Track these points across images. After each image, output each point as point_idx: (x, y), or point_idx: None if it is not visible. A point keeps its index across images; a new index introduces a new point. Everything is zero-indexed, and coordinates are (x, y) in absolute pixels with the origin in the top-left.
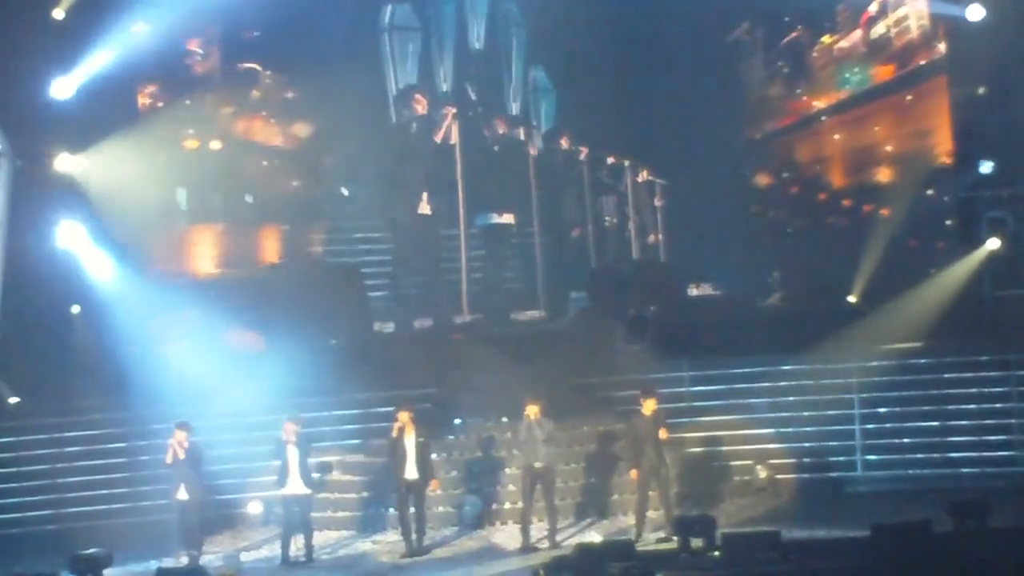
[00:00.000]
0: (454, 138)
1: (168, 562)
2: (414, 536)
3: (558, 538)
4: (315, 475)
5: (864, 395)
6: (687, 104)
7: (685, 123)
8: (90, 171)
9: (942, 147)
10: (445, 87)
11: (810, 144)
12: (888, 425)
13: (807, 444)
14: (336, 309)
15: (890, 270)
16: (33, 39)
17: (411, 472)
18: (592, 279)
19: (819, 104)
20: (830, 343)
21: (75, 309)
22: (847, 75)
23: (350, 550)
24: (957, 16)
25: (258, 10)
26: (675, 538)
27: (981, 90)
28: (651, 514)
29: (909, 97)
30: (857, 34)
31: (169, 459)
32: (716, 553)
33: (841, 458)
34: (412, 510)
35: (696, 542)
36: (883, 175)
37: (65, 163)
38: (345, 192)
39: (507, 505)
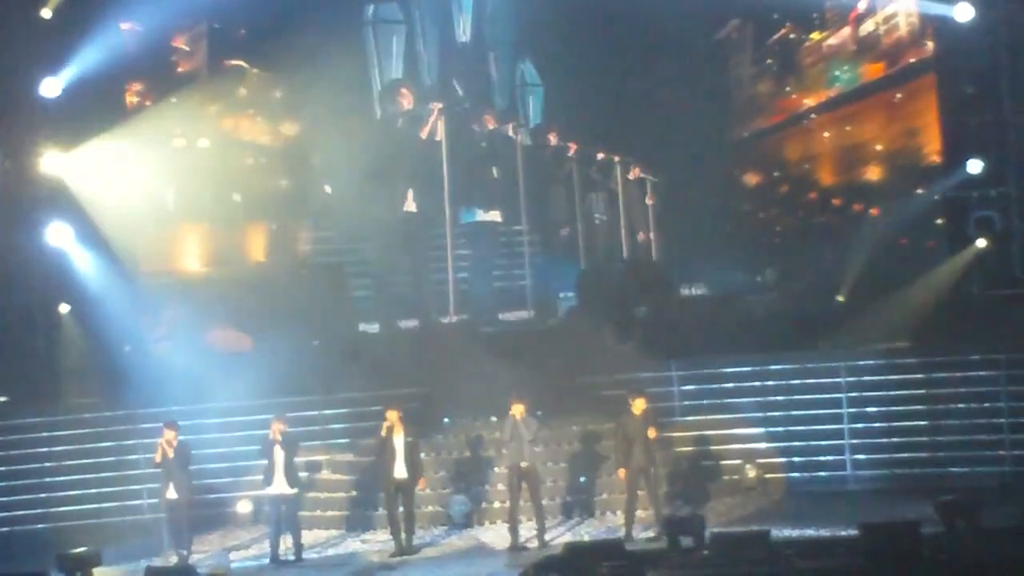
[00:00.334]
0: (440, 134)
1: (157, 561)
2: (403, 535)
3: (547, 537)
4: (302, 475)
5: (853, 394)
6: (676, 101)
7: (674, 120)
8: (77, 170)
9: (932, 146)
10: (430, 82)
11: (799, 142)
12: (877, 424)
13: (796, 443)
14: (320, 308)
15: (879, 269)
16: (20, 38)
17: (400, 471)
18: (581, 279)
19: (808, 102)
20: (819, 342)
21: (63, 308)
22: (837, 73)
23: (339, 549)
24: (945, 16)
25: (244, 6)
26: (664, 537)
27: (970, 90)
28: (640, 513)
29: (899, 95)
30: (846, 31)
31: (158, 458)
32: (705, 552)
33: (830, 457)
34: (401, 509)
35: (685, 541)
36: (873, 174)
37: (52, 162)
38: (328, 189)
39: (496, 504)
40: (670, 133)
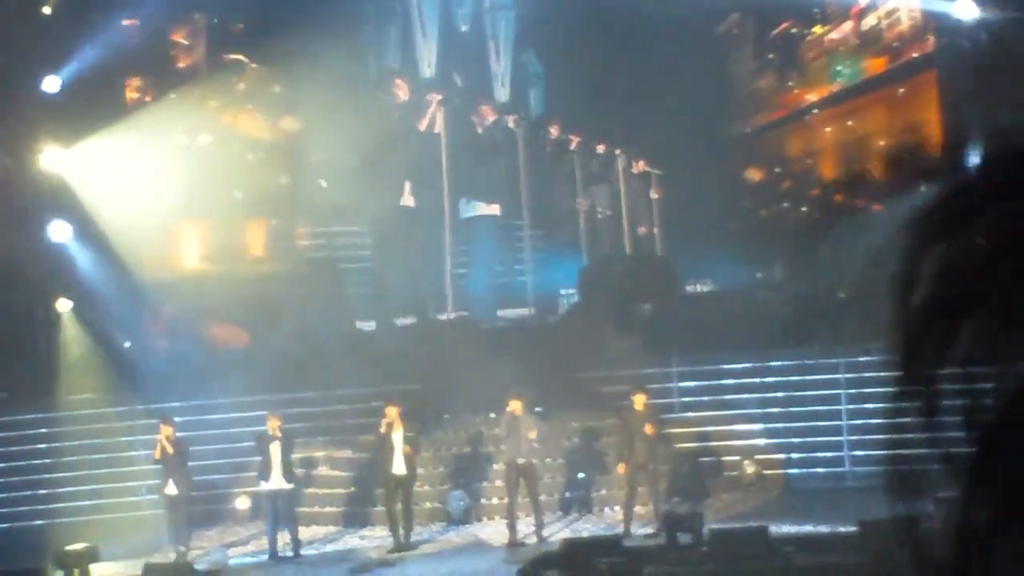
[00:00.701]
0: (439, 126)
1: (156, 557)
2: (401, 531)
3: (545, 533)
4: (298, 471)
5: (851, 391)
6: (678, 95)
7: (676, 114)
8: (78, 167)
9: (934, 141)
10: (429, 72)
11: (801, 138)
12: (875, 421)
13: (795, 440)
14: (317, 305)
15: (882, 265)
16: (20, 35)
17: (399, 467)
18: (584, 275)
19: (811, 97)
20: (819, 338)
21: (63, 305)
22: (839, 68)
23: (338, 545)
24: (946, 12)
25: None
26: (663, 533)
27: (970, 86)
28: (639, 509)
29: (902, 90)
30: (848, 26)
31: (157, 455)
32: (704, 548)
33: (829, 454)
34: (400, 505)
35: (684, 537)
36: (875, 169)
37: (53, 159)
38: (323, 183)
39: (494, 500)
40: (672, 127)
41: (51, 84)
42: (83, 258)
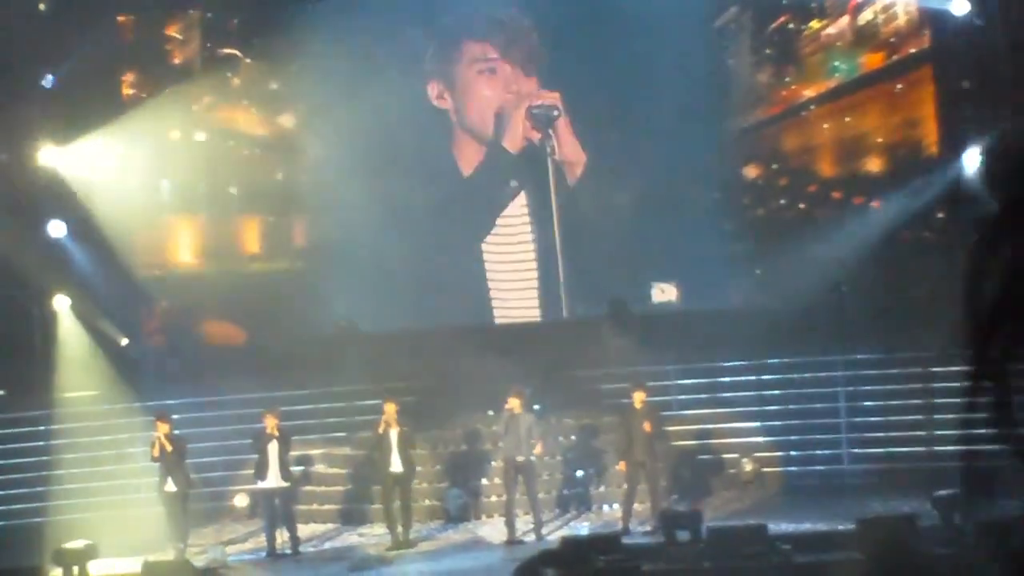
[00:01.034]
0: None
1: (154, 555)
2: (400, 529)
3: (544, 531)
4: (295, 468)
5: (850, 388)
6: (673, 90)
7: (670, 109)
8: (74, 163)
9: (932, 137)
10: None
11: (799, 134)
12: (874, 419)
13: (793, 438)
14: (312, 302)
15: (880, 263)
16: (17, 32)
17: (396, 465)
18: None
19: (808, 93)
20: (816, 336)
21: (60, 301)
22: (836, 63)
23: (336, 543)
24: (942, 9)
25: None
26: (661, 531)
27: (966, 83)
28: (637, 507)
29: (899, 86)
30: (845, 20)
31: (155, 452)
32: (702, 546)
33: (827, 451)
34: (397, 503)
35: (682, 535)
36: (873, 165)
37: (49, 155)
38: (320, 179)
39: (492, 498)
40: (666, 122)
41: (47, 81)
42: (80, 255)
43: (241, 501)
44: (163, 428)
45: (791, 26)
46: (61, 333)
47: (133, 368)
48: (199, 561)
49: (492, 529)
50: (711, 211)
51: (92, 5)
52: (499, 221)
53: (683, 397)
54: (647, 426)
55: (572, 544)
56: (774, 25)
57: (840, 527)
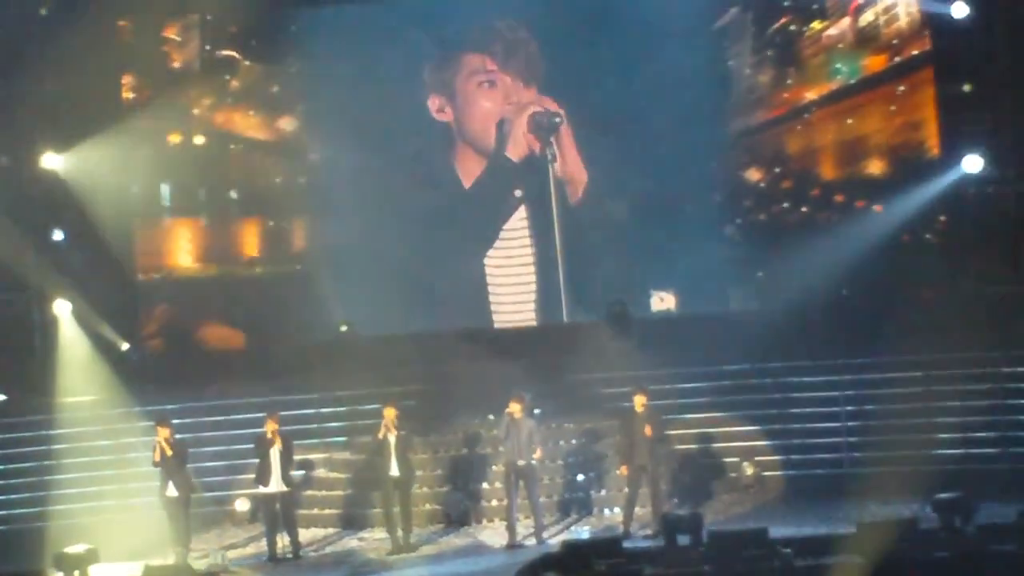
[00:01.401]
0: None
1: (155, 559)
2: (400, 533)
3: (544, 535)
4: (296, 472)
5: (850, 392)
6: (673, 93)
7: (670, 112)
8: (74, 167)
9: (933, 140)
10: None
11: (801, 136)
12: (875, 422)
13: (794, 441)
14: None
15: (880, 266)
16: (18, 36)
17: (396, 469)
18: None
19: (810, 95)
20: (817, 340)
21: (60, 306)
22: (838, 65)
23: (337, 547)
24: (943, 12)
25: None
26: (662, 535)
27: (966, 87)
28: (638, 511)
29: (901, 88)
30: (846, 22)
31: (156, 457)
32: (703, 550)
33: (828, 455)
34: (398, 507)
35: (683, 539)
36: (875, 168)
37: (50, 160)
38: (321, 182)
39: (493, 503)
40: (667, 126)
41: (48, 86)
42: (80, 259)
43: (242, 505)
44: (163, 433)
45: (792, 28)
46: (61, 337)
47: (134, 372)
48: (200, 565)
49: (493, 533)
50: (712, 215)
51: (92, 9)
52: (503, 229)
53: (684, 401)
54: (648, 430)
55: (573, 548)
56: (775, 26)
57: (841, 531)
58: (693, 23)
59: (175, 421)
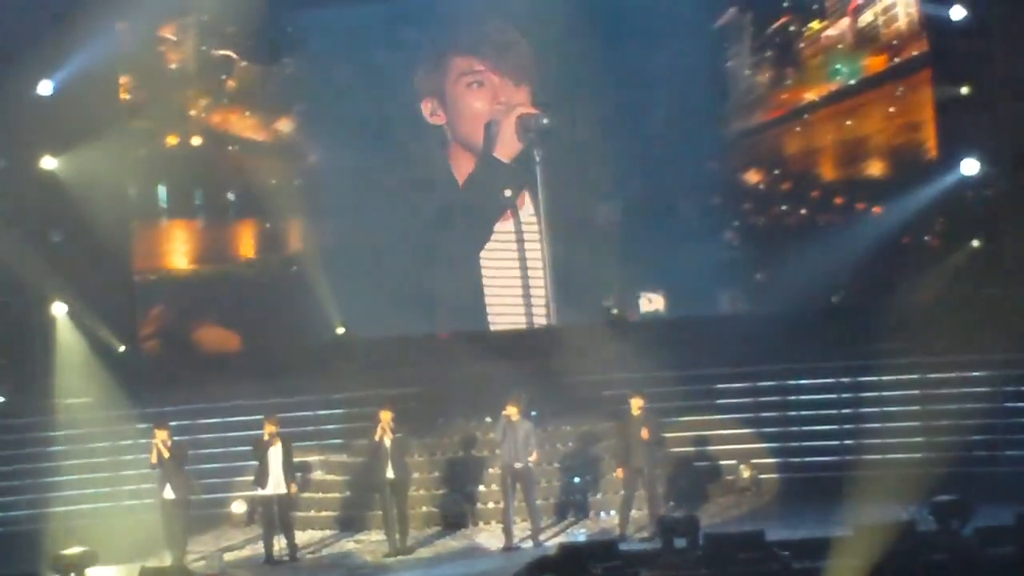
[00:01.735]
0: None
1: (152, 561)
2: (397, 536)
3: (541, 538)
4: (296, 474)
5: (848, 395)
6: (670, 93)
7: (668, 113)
8: (73, 169)
9: (932, 141)
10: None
11: (800, 138)
12: (872, 425)
13: (791, 444)
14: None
15: (877, 268)
16: (15, 38)
17: (391, 472)
18: None
19: (809, 96)
20: (815, 343)
21: (58, 308)
22: (838, 66)
23: (333, 549)
24: (941, 15)
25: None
26: (658, 538)
27: (964, 89)
28: (635, 514)
29: (901, 89)
30: (845, 22)
31: (154, 459)
32: (699, 553)
33: (824, 458)
34: (395, 510)
35: (679, 542)
36: (875, 169)
37: (49, 162)
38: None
39: (490, 505)
40: (663, 127)
41: (47, 87)
42: (78, 261)
43: (239, 508)
44: (161, 434)
45: (791, 28)
46: (59, 339)
47: (131, 374)
48: (197, 568)
49: (489, 536)
50: (706, 217)
51: (91, 11)
52: (494, 229)
53: (680, 403)
54: (645, 433)
55: (569, 551)
56: (774, 26)
57: (838, 533)
58: (691, 23)
59: (172, 423)
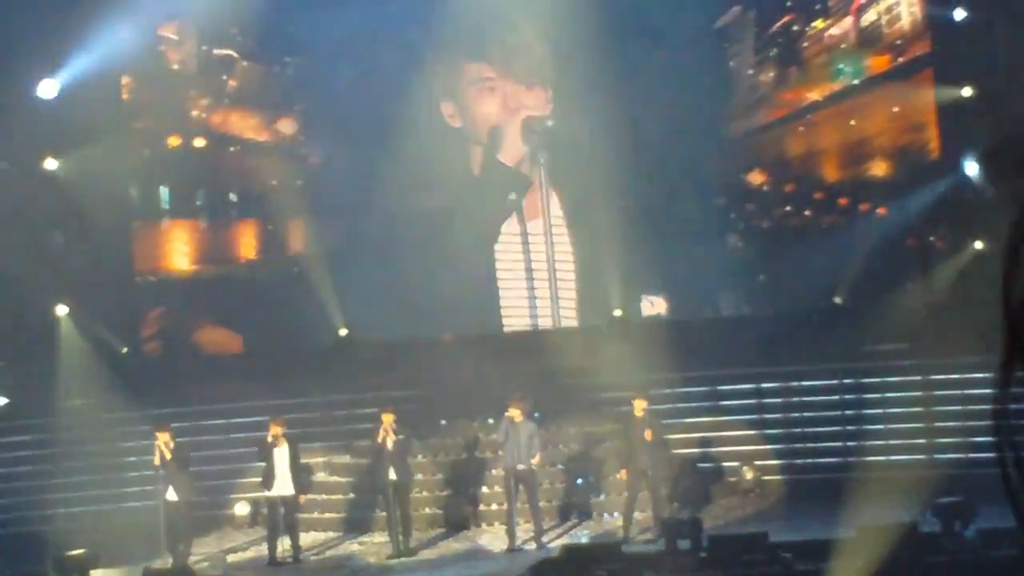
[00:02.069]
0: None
1: (155, 563)
2: (400, 537)
3: (544, 539)
4: (300, 476)
5: (850, 396)
6: (673, 92)
7: (670, 113)
8: (74, 170)
9: (935, 142)
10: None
11: (803, 138)
12: (875, 426)
13: (794, 445)
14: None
15: (880, 270)
16: (17, 39)
17: (396, 473)
18: None
19: (812, 96)
20: (817, 344)
21: (60, 310)
22: (841, 65)
23: (337, 551)
24: (942, 15)
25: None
26: (662, 539)
27: (966, 91)
28: (638, 515)
29: (903, 89)
30: (848, 21)
31: (157, 461)
32: (703, 555)
33: (828, 459)
34: (398, 511)
35: (683, 543)
36: (879, 170)
37: (51, 164)
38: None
39: (493, 507)
40: (667, 128)
41: (49, 88)
42: (80, 263)
43: (242, 509)
44: (163, 436)
45: (795, 27)
46: (61, 341)
47: (134, 376)
48: (201, 569)
49: (493, 537)
50: (709, 219)
51: (92, 13)
52: (500, 232)
53: (684, 405)
54: (648, 434)
55: (573, 552)
56: (777, 25)
57: (841, 535)
58: (693, 22)
59: (174, 425)
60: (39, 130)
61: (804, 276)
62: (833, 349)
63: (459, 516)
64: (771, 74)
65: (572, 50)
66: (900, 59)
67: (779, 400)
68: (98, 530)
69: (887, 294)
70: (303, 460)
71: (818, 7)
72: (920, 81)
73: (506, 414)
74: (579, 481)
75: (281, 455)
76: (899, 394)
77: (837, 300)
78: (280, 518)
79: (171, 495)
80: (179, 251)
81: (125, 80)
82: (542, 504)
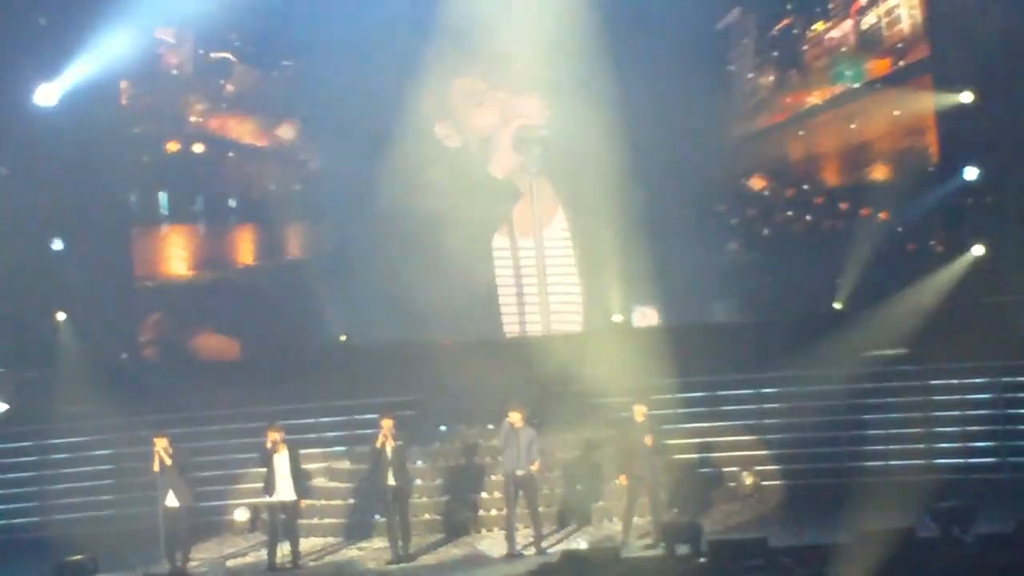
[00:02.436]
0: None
1: (154, 569)
2: (400, 543)
3: (544, 545)
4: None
5: (850, 401)
6: (672, 96)
7: (669, 116)
8: (73, 175)
9: (935, 147)
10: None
11: (803, 142)
12: (874, 431)
13: (793, 450)
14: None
15: (879, 275)
16: (16, 45)
17: (395, 479)
18: None
19: (813, 99)
20: (816, 350)
21: (60, 316)
22: (842, 69)
23: (336, 557)
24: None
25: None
26: (661, 545)
27: (965, 95)
28: (637, 520)
29: (903, 93)
30: (848, 24)
31: (156, 467)
32: (702, 560)
33: (827, 464)
34: (397, 517)
35: (682, 549)
36: (878, 174)
37: (49, 168)
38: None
39: (492, 512)
40: (667, 131)
41: (48, 94)
42: (79, 269)
43: (241, 515)
44: (162, 442)
45: (795, 30)
46: (61, 347)
47: (133, 382)
48: (199, 575)
49: (492, 543)
50: (708, 226)
51: (90, 18)
52: (498, 237)
53: (683, 411)
54: (648, 440)
55: (572, 558)
56: (777, 28)
57: (840, 540)
58: (693, 25)
59: (173, 430)
60: (38, 136)
61: (805, 281)
62: (833, 354)
63: (458, 521)
64: (771, 77)
65: (567, 56)
66: (900, 63)
67: (779, 405)
68: (97, 536)
69: (887, 299)
70: (303, 466)
71: (818, 9)
72: (920, 85)
73: (506, 419)
74: (578, 486)
75: (281, 461)
76: (898, 399)
77: (837, 305)
78: (280, 524)
79: (170, 501)
80: (178, 256)
81: (123, 85)
82: (541, 509)
